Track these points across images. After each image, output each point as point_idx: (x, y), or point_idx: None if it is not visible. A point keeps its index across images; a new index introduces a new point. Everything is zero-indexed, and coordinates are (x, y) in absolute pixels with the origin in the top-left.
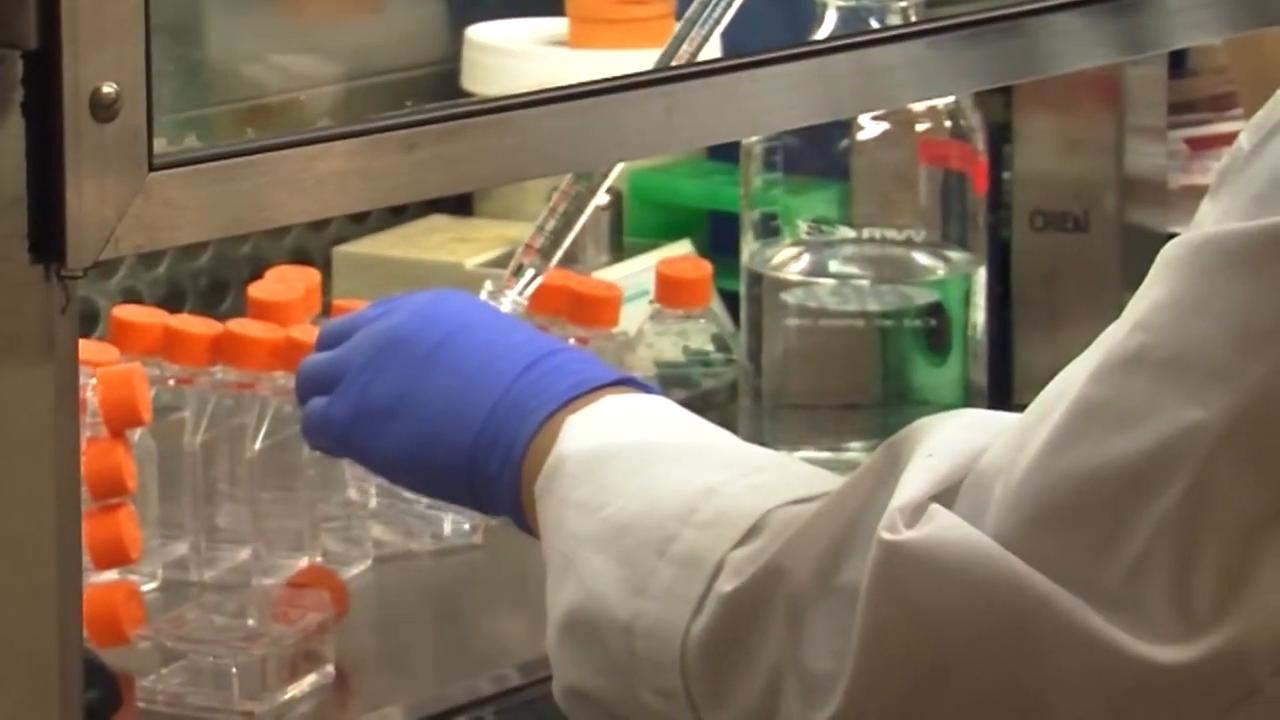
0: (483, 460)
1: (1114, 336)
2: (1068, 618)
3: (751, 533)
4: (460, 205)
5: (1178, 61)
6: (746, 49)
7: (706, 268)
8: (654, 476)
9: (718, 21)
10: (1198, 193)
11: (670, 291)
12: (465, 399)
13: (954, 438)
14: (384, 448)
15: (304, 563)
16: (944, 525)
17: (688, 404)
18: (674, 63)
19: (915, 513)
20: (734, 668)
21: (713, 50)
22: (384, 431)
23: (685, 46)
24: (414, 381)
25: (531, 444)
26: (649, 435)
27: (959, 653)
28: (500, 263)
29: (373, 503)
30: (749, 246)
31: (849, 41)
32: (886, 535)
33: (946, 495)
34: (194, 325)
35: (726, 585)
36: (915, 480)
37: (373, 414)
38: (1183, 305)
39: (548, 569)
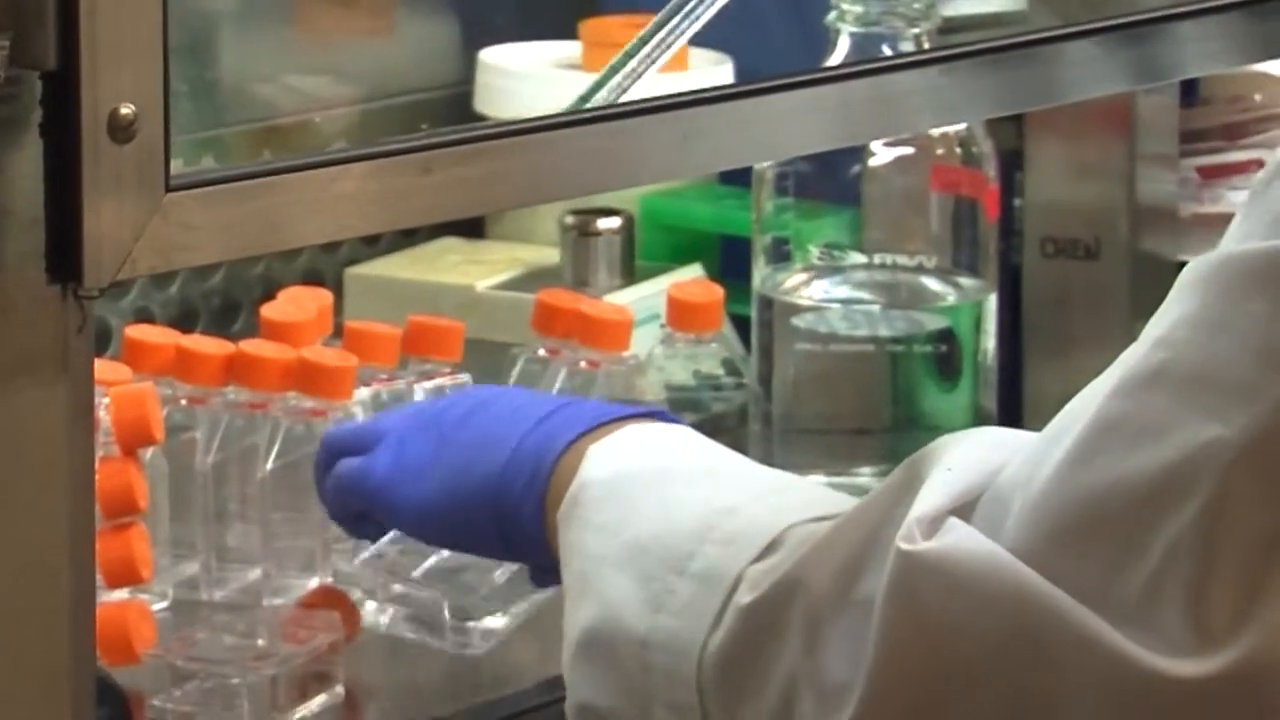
0: (508, 493)
1: (1134, 354)
2: (1082, 631)
3: (770, 548)
4: (472, 228)
5: (1189, 90)
6: (760, 74)
7: (718, 292)
8: (674, 497)
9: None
10: (1209, 221)
11: (681, 315)
12: (492, 442)
13: (973, 454)
14: (415, 500)
15: (314, 583)
16: (961, 537)
17: (698, 428)
18: (625, 70)
19: (933, 525)
20: (750, 680)
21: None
22: (416, 486)
23: (641, 56)
24: (445, 443)
25: (554, 472)
26: (670, 460)
27: (972, 664)
28: (512, 285)
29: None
30: (760, 271)
31: (862, 68)
32: (904, 545)
33: (964, 509)
34: (206, 345)
35: (745, 598)
36: (933, 494)
37: (407, 470)
38: (1203, 323)
39: (566, 592)
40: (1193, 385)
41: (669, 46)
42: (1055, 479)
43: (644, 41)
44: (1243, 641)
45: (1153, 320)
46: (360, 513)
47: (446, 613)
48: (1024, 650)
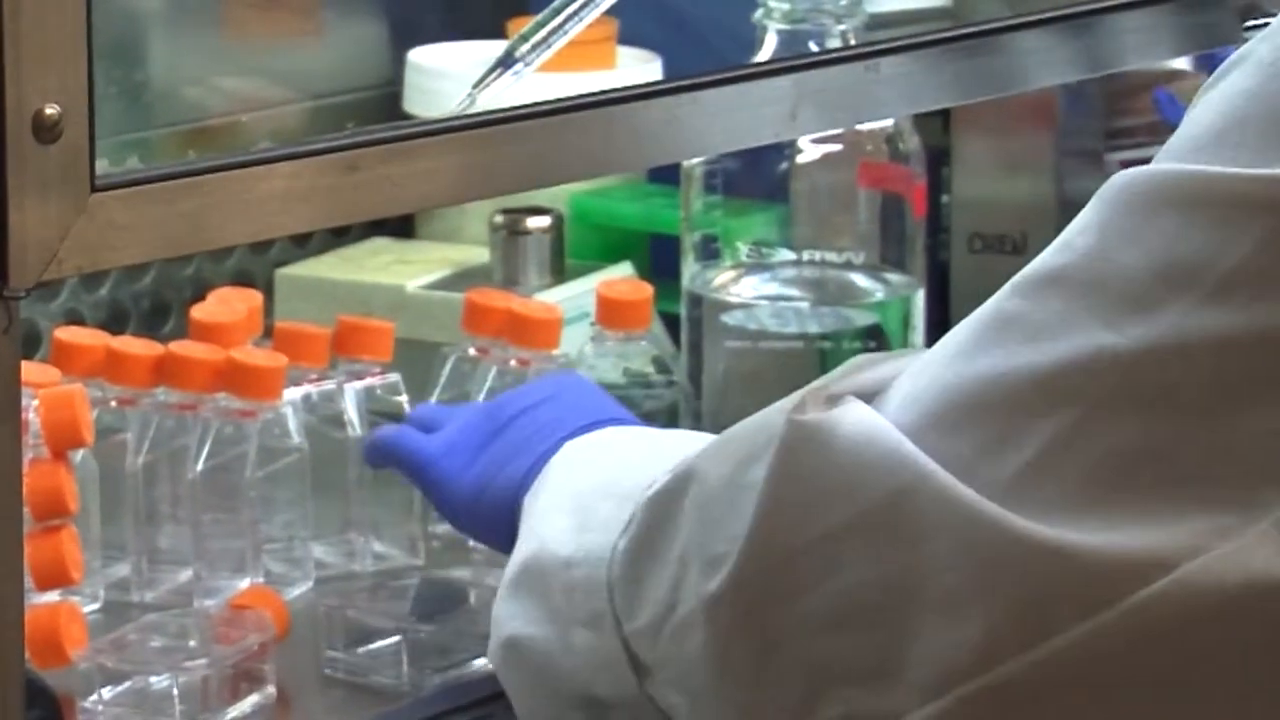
0: (485, 504)
1: (1040, 256)
2: (947, 494)
3: (682, 461)
4: (402, 227)
5: (1115, 92)
6: (687, 71)
7: (647, 290)
8: (617, 461)
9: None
10: None
11: (611, 314)
12: (524, 449)
13: (885, 359)
14: (453, 486)
15: (245, 584)
16: (849, 409)
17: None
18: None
19: (832, 401)
20: (649, 565)
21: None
22: (459, 473)
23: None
24: (495, 436)
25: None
26: (625, 440)
27: (842, 528)
28: (442, 285)
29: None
30: (689, 269)
31: (789, 64)
32: (794, 415)
33: (868, 395)
34: (136, 347)
35: (648, 494)
36: (836, 379)
37: (455, 456)
38: (1110, 232)
39: (511, 558)
40: (1091, 291)
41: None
42: (945, 366)
43: (539, 26)
44: (1101, 535)
45: (1067, 227)
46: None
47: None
48: (889, 514)
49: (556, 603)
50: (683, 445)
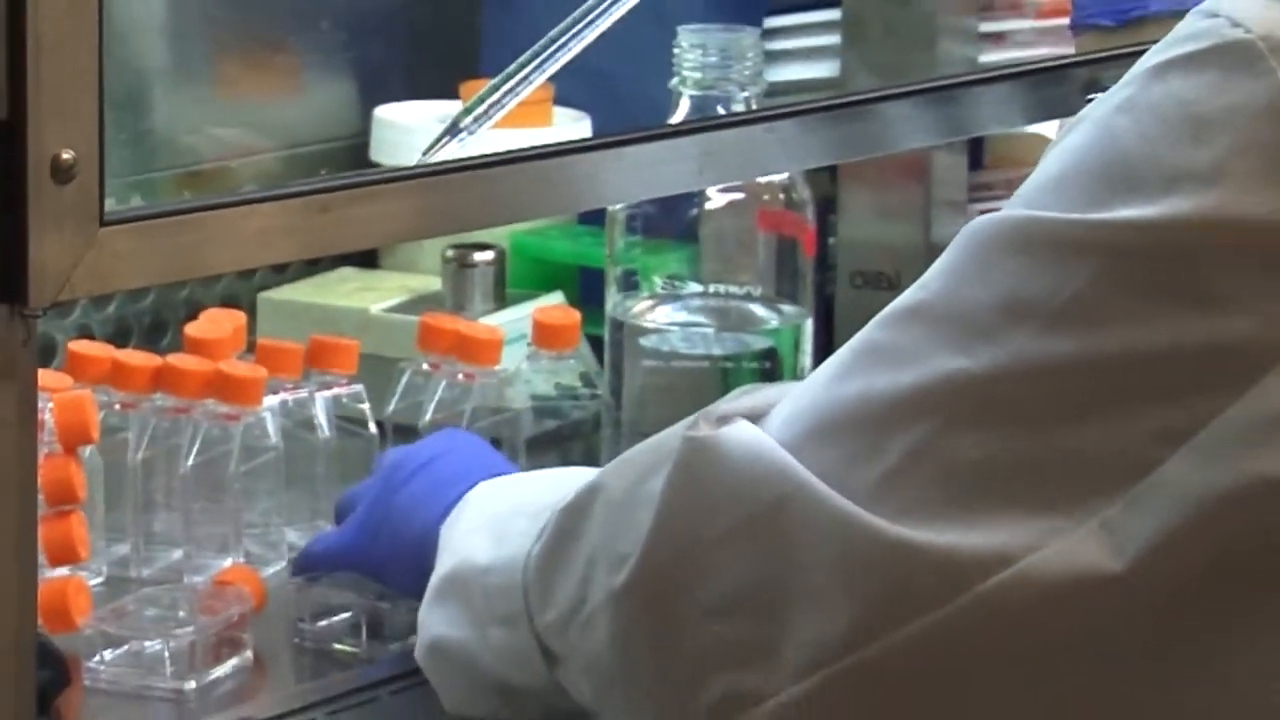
0: (429, 563)
1: (904, 294)
2: (821, 500)
3: (588, 478)
4: (367, 259)
5: (976, 153)
6: (613, 130)
7: (576, 316)
8: (526, 489)
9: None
10: None
11: (545, 336)
12: (426, 503)
13: (770, 387)
14: (368, 553)
15: (228, 563)
16: (738, 427)
17: (558, 432)
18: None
19: (721, 421)
20: (560, 567)
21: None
22: (370, 543)
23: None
24: (392, 499)
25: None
26: (535, 475)
27: (724, 534)
28: (403, 309)
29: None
30: (612, 298)
31: (699, 125)
32: (689, 433)
33: (755, 417)
34: (137, 358)
35: (558, 506)
36: (726, 403)
37: (364, 532)
38: (963, 271)
39: (434, 572)
40: (945, 322)
41: (514, 95)
42: (821, 388)
43: (480, 101)
44: (952, 534)
45: (930, 268)
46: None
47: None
48: (768, 521)
49: (475, 606)
50: (586, 475)
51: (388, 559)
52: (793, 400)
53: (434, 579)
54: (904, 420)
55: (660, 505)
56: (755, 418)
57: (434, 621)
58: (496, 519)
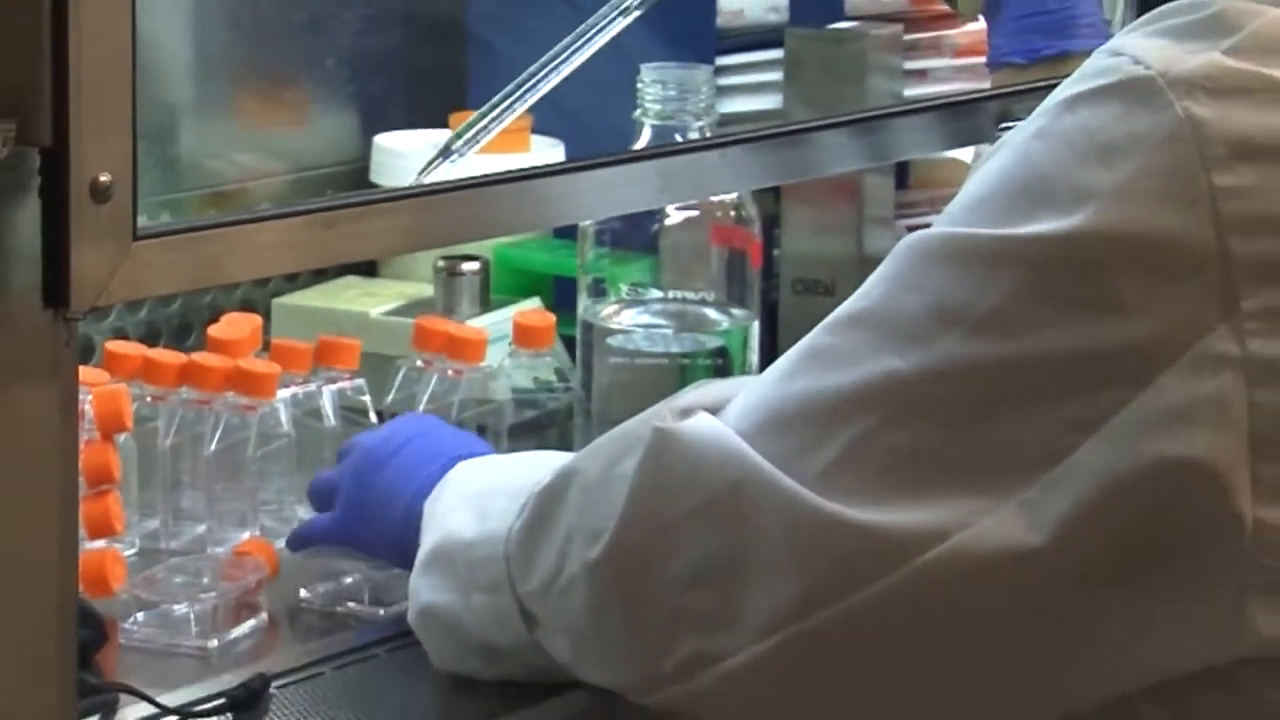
0: (410, 535)
1: (847, 301)
2: (773, 484)
3: (564, 462)
4: (368, 269)
5: (903, 174)
6: (584, 155)
7: (551, 318)
8: (503, 470)
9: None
10: None
11: (524, 336)
12: (407, 479)
13: (729, 381)
14: (355, 529)
15: (246, 536)
16: (701, 419)
17: (536, 421)
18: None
19: (685, 413)
20: (540, 540)
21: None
22: (353, 529)
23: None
24: (373, 481)
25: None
26: (510, 457)
27: (689, 513)
28: (399, 312)
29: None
30: (583, 303)
31: (659, 151)
32: (657, 424)
33: (714, 409)
34: (166, 356)
35: (537, 487)
36: (687, 396)
37: (350, 517)
38: (898, 282)
39: (422, 544)
40: (881, 329)
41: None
42: (773, 385)
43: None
44: (892, 514)
45: (869, 278)
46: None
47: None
48: (725, 502)
49: (461, 575)
50: (556, 458)
51: (373, 535)
52: (747, 395)
53: (422, 552)
54: (847, 415)
55: (631, 488)
56: (714, 410)
57: (423, 589)
58: (477, 496)
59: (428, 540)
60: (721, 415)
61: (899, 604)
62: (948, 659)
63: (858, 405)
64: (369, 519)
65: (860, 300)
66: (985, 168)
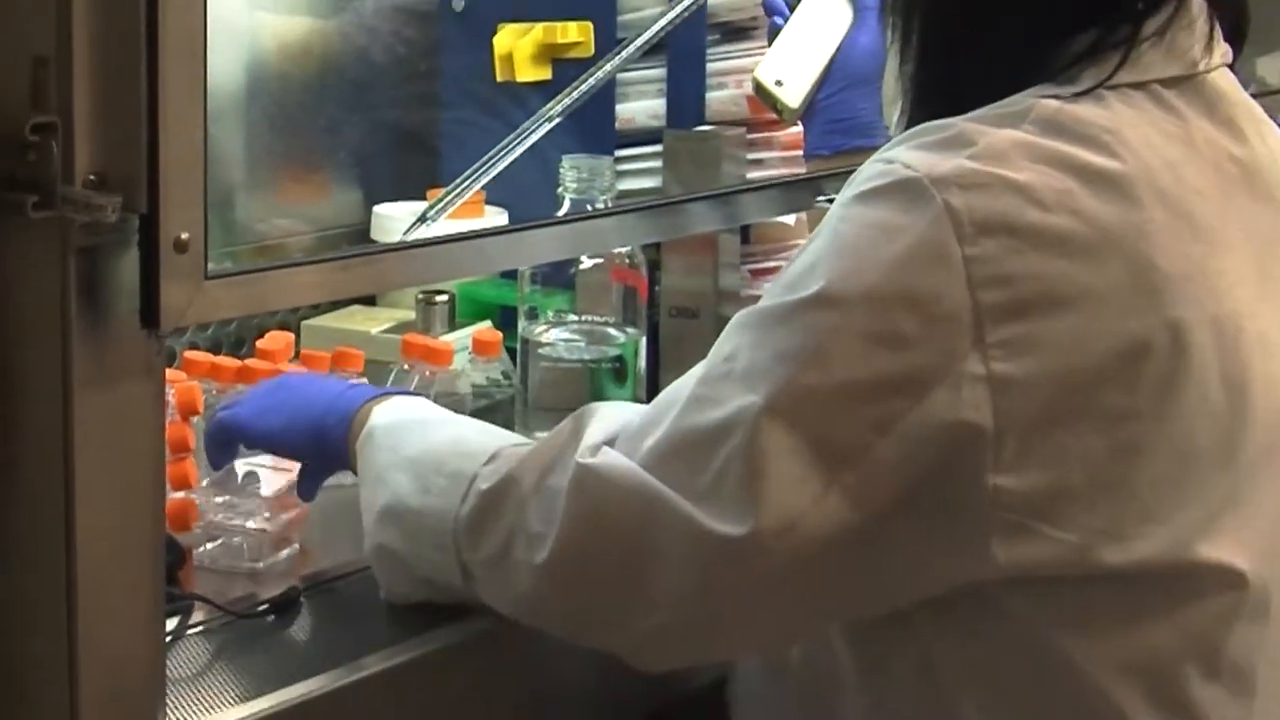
0: (326, 435)
1: (709, 362)
2: (672, 508)
3: (491, 459)
4: (370, 300)
5: (745, 235)
6: (523, 219)
7: (499, 335)
8: (431, 432)
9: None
10: (755, 299)
11: (480, 348)
12: (315, 398)
13: (615, 411)
14: (268, 430)
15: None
16: (612, 455)
17: (488, 408)
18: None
19: (596, 449)
20: (485, 530)
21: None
22: (268, 421)
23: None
24: (287, 398)
25: (353, 419)
26: (424, 415)
27: (606, 534)
28: (392, 331)
29: None
30: (521, 324)
31: (576, 218)
32: (580, 460)
33: (611, 441)
34: (226, 362)
35: (482, 485)
36: (595, 431)
37: (264, 413)
38: (747, 342)
39: (363, 488)
40: (741, 375)
41: (457, 198)
42: (669, 424)
43: (449, 193)
44: (759, 520)
45: (717, 343)
46: (226, 444)
47: None
48: (634, 525)
49: (409, 533)
50: (460, 423)
51: (287, 429)
52: (640, 429)
53: (374, 505)
54: (716, 444)
55: (563, 513)
56: (611, 441)
57: (376, 533)
58: (413, 465)
59: (377, 498)
60: (619, 445)
61: (779, 578)
62: (812, 609)
63: (725, 435)
64: (284, 414)
65: (720, 364)
66: (807, 248)
